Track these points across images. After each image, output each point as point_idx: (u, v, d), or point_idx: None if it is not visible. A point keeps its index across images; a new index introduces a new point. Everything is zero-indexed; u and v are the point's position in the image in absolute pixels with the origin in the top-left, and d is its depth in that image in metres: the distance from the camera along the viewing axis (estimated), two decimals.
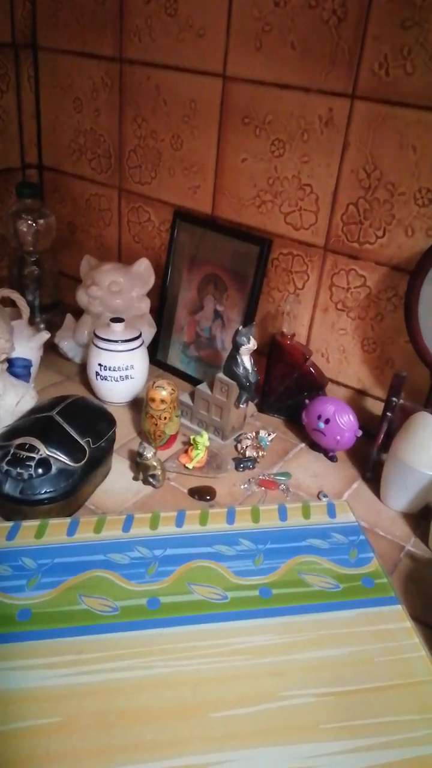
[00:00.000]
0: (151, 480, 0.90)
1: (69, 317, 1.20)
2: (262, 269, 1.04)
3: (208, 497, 0.89)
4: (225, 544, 0.76)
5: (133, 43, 1.07)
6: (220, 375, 0.97)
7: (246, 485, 0.92)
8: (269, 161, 0.99)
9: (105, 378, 1.05)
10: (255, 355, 0.97)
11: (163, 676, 0.60)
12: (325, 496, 0.90)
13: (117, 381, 1.05)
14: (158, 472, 0.89)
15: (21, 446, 0.80)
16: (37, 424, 0.84)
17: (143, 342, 1.08)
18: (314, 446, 1.01)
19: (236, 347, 0.95)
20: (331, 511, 0.82)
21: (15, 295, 1.02)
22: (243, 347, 0.94)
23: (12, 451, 0.80)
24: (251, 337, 0.94)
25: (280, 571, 0.72)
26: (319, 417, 0.95)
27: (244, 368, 0.96)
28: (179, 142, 1.08)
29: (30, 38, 1.19)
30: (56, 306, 1.29)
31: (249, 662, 0.62)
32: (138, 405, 1.07)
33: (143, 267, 1.13)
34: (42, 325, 1.23)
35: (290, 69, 0.92)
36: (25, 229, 1.16)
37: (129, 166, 1.17)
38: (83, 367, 1.16)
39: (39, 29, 1.19)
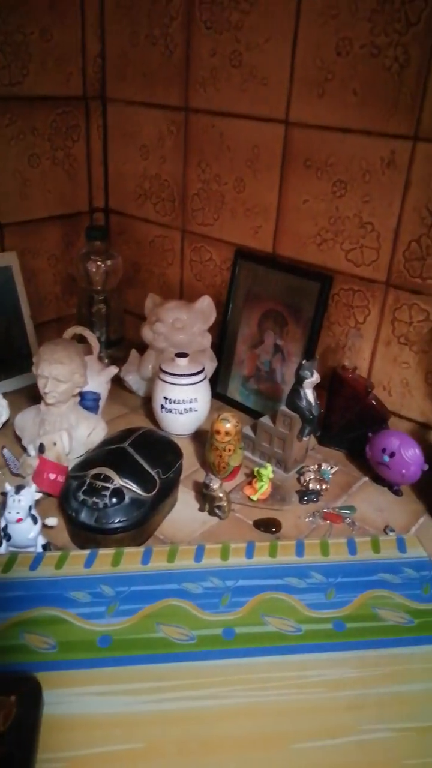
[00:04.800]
0: (216, 511, 0.91)
1: (134, 352, 1.24)
2: (323, 305, 1.06)
3: (273, 529, 0.90)
4: (296, 576, 0.76)
5: (199, 93, 1.13)
6: (283, 408, 0.99)
7: (311, 518, 0.92)
8: (330, 201, 1.02)
9: (170, 410, 1.08)
10: (316, 388, 0.98)
11: (243, 706, 0.61)
12: (392, 530, 0.90)
13: (181, 413, 1.08)
14: (224, 503, 0.91)
15: (96, 476, 0.83)
16: (111, 455, 0.87)
17: (206, 376, 1.11)
18: (378, 480, 1.01)
19: (299, 381, 0.97)
20: (402, 546, 0.82)
21: (87, 333, 1.07)
22: (306, 380, 0.96)
23: (88, 481, 0.83)
24: (314, 370, 0.96)
25: (353, 605, 0.72)
26: (384, 450, 0.96)
27: (307, 401, 0.97)
28: (242, 185, 1.13)
29: (100, 91, 1.27)
30: (120, 342, 1.34)
31: (326, 695, 0.62)
32: (199, 437, 1.09)
33: (206, 304, 1.17)
34: (106, 360, 1.28)
35: (352, 114, 0.96)
36: (94, 270, 1.22)
37: (192, 209, 1.22)
38: (146, 400, 1.20)
39: (108, 82, 1.26)
